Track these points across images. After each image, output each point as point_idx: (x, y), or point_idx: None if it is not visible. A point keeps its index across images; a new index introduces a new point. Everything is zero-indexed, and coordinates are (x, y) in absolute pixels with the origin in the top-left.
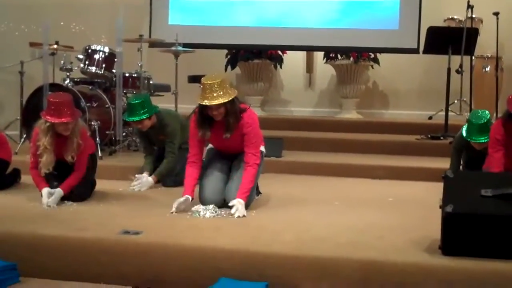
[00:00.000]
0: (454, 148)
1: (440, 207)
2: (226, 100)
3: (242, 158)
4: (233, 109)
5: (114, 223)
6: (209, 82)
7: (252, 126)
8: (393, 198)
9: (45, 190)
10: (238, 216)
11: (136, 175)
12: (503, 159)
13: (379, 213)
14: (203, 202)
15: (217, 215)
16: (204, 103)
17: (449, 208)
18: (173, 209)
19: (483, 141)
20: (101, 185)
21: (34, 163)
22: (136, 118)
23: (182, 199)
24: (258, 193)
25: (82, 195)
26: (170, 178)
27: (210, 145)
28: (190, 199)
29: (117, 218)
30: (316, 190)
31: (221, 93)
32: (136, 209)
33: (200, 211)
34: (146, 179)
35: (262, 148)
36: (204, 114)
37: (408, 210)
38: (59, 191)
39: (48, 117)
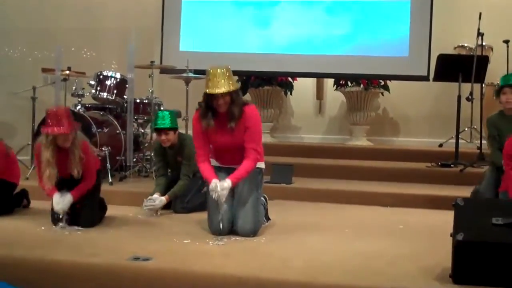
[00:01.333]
0: (490, 137)
1: (451, 235)
2: (233, 88)
3: (244, 187)
4: (238, 100)
5: (124, 249)
6: (216, 70)
7: (255, 120)
8: (403, 225)
9: (56, 195)
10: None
11: (149, 197)
12: None
13: (389, 240)
14: (213, 233)
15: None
16: (211, 92)
17: (459, 236)
18: (218, 192)
19: None
20: (111, 210)
21: (41, 176)
22: (168, 125)
23: (214, 184)
24: (268, 219)
25: (89, 220)
26: (181, 205)
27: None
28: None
29: (127, 244)
30: (326, 217)
31: (228, 82)
32: (146, 235)
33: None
34: (159, 201)
35: (262, 165)
36: (209, 105)
37: (419, 238)
38: (69, 197)
39: (47, 130)
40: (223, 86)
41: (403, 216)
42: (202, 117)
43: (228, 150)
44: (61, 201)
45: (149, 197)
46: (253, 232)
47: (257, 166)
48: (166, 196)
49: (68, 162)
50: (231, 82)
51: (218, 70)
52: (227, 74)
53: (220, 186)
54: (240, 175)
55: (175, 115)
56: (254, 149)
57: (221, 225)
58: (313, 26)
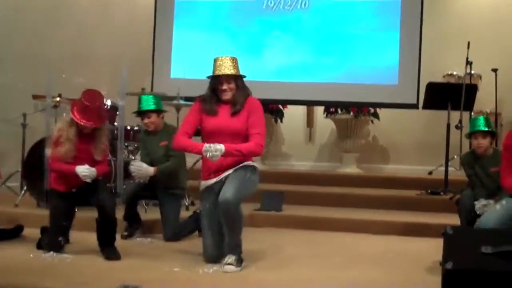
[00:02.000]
0: (464, 167)
1: (440, 264)
2: (238, 73)
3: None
4: (243, 87)
5: (114, 277)
6: (223, 56)
7: (259, 109)
8: (393, 254)
9: (81, 166)
10: (212, 157)
11: (138, 161)
12: None
13: (379, 269)
14: (207, 258)
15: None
16: (218, 73)
17: (449, 265)
18: (212, 151)
19: (484, 128)
20: None
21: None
22: (152, 107)
23: (207, 145)
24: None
25: (113, 211)
26: (171, 232)
27: (201, 186)
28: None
29: (117, 271)
30: (316, 245)
31: (235, 68)
32: (136, 263)
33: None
34: (146, 167)
35: (255, 164)
36: (214, 91)
37: (409, 266)
38: (94, 169)
39: (79, 120)
40: (229, 69)
41: (394, 244)
42: (208, 101)
43: (220, 133)
44: (89, 170)
45: (138, 161)
46: (233, 202)
47: (250, 164)
48: (155, 168)
49: (91, 146)
50: (237, 68)
51: (226, 56)
52: (234, 62)
53: (213, 146)
54: (236, 148)
55: (159, 99)
56: (259, 133)
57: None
58: (304, 54)
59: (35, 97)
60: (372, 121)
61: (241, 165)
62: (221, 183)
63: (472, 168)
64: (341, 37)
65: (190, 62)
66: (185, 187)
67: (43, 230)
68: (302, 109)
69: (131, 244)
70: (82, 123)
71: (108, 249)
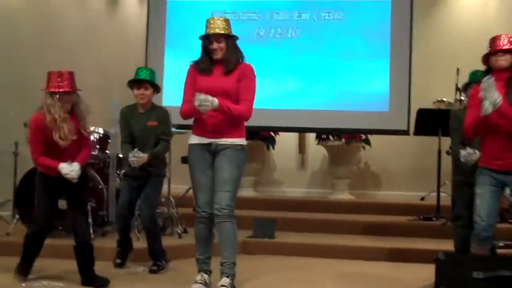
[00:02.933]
0: (451, 130)
1: None
2: (229, 33)
3: (225, 166)
4: (234, 47)
5: None
6: (215, 17)
7: (252, 75)
8: (385, 280)
9: (62, 164)
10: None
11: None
12: None
13: None
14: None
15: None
16: (209, 32)
17: None
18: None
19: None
20: None
21: (41, 151)
22: (148, 77)
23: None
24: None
25: (85, 235)
26: (149, 213)
27: (191, 140)
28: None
29: None
30: (308, 271)
31: (227, 28)
32: None
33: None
34: (143, 155)
35: (244, 142)
36: (207, 52)
37: None
38: (77, 164)
39: (52, 89)
40: (219, 29)
41: (386, 270)
42: (200, 60)
43: (212, 93)
44: (71, 167)
45: (135, 150)
46: (228, 214)
47: (239, 143)
48: (147, 155)
49: (73, 122)
50: (228, 29)
51: (218, 17)
52: (226, 22)
53: (205, 96)
54: (228, 106)
55: (155, 75)
56: (248, 99)
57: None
58: (295, 81)
59: (26, 125)
60: (363, 148)
61: (233, 142)
62: (213, 152)
63: (459, 121)
64: (332, 64)
65: (182, 88)
66: (166, 162)
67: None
68: (294, 136)
69: (123, 272)
70: (62, 90)
71: (87, 276)
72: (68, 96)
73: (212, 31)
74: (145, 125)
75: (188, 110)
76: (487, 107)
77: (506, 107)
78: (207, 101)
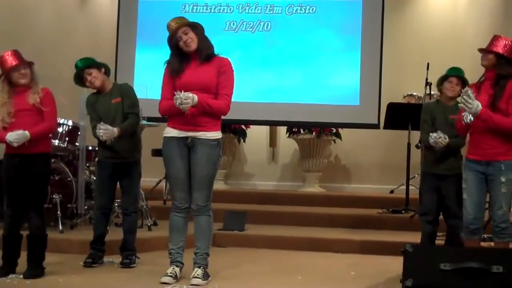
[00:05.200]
0: (422, 121)
1: (400, 281)
2: (193, 23)
3: (201, 164)
4: (203, 37)
5: None
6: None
7: (230, 70)
8: (354, 271)
9: (10, 133)
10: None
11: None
12: None
13: (341, 286)
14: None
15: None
16: (172, 26)
17: (408, 283)
18: (182, 99)
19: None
20: (61, 258)
21: None
22: (81, 65)
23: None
24: None
25: (39, 229)
26: (131, 200)
27: (166, 133)
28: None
29: None
30: (278, 264)
31: (187, 21)
32: (97, 285)
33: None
34: (112, 128)
35: (220, 135)
36: (176, 51)
37: (370, 285)
38: (24, 133)
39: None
40: (181, 23)
41: (355, 262)
42: (170, 62)
43: (190, 87)
44: (16, 134)
45: (102, 123)
46: (206, 208)
47: (215, 137)
48: (118, 128)
49: (25, 96)
50: (194, 24)
51: (174, 18)
52: (185, 18)
53: (184, 94)
54: (208, 102)
55: (93, 59)
56: (227, 94)
57: None
58: (266, 75)
59: None
60: (334, 141)
61: (209, 137)
62: (189, 145)
63: (431, 114)
64: (303, 58)
65: (153, 83)
66: (140, 147)
67: None
68: (265, 129)
69: (98, 269)
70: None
71: (30, 266)
72: (18, 72)
73: (175, 26)
74: (109, 103)
75: (168, 107)
76: (468, 117)
77: (485, 112)
78: (188, 98)
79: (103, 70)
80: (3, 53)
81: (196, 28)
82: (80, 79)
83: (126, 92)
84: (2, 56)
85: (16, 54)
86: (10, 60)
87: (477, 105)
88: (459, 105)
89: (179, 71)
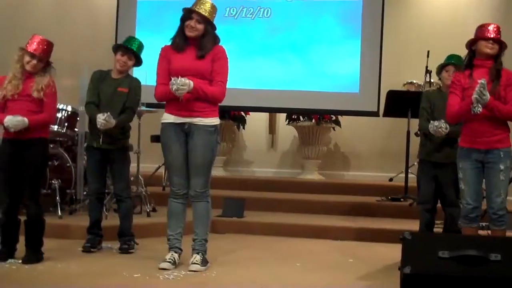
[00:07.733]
0: (421, 109)
1: (399, 269)
2: (211, 19)
3: (199, 150)
4: (211, 33)
5: (72, 285)
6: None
7: (225, 58)
8: (353, 259)
9: (9, 116)
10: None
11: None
12: None
13: (339, 274)
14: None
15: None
16: (192, 7)
17: (407, 270)
18: (178, 85)
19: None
20: (59, 244)
21: None
22: (135, 49)
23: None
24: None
25: (36, 215)
26: (123, 185)
27: (163, 119)
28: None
29: (75, 279)
30: (277, 250)
31: (210, 13)
32: (95, 270)
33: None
34: (113, 120)
35: (218, 121)
36: (183, 26)
37: (368, 271)
38: (24, 119)
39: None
40: (205, 11)
41: (353, 250)
42: (176, 35)
43: (186, 74)
44: (16, 120)
45: (108, 114)
46: (204, 195)
47: (213, 123)
48: (115, 120)
49: (31, 85)
50: (212, 16)
51: (209, 1)
52: (213, 9)
53: (181, 80)
54: (203, 89)
55: (142, 49)
56: (222, 81)
57: None
58: (266, 61)
59: None
60: (333, 128)
61: (206, 123)
62: (187, 131)
63: (430, 102)
64: (303, 45)
65: (152, 69)
66: (129, 135)
67: None
68: (264, 116)
69: (97, 254)
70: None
71: (28, 252)
72: (32, 60)
73: (197, 8)
74: (115, 90)
75: (164, 92)
76: (479, 108)
77: (492, 101)
78: (185, 85)
79: (133, 65)
80: (37, 36)
81: (209, 29)
82: (115, 48)
83: (135, 88)
84: (34, 36)
85: (42, 44)
86: (33, 45)
87: (487, 95)
88: (474, 96)
89: (179, 47)
